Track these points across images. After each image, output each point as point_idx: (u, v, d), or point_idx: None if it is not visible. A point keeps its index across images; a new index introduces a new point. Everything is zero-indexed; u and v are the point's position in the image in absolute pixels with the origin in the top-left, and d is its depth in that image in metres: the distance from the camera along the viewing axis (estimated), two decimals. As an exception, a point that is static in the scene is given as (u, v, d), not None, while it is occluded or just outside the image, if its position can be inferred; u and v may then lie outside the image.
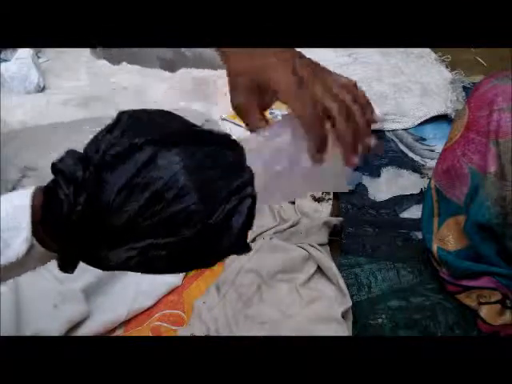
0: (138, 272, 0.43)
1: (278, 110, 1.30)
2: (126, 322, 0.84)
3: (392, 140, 1.28)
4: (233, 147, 0.44)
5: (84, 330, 0.79)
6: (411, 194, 1.10)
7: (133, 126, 0.42)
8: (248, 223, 0.42)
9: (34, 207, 0.42)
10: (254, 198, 0.43)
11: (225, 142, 0.43)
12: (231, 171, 0.42)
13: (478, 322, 0.78)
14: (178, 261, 0.42)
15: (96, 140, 0.42)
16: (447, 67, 1.55)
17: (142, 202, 0.39)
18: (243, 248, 0.44)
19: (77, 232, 0.41)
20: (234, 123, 1.26)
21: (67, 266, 0.43)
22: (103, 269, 0.44)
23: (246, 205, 0.42)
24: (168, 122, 0.43)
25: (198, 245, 0.41)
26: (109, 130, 0.42)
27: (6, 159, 0.84)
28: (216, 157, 0.42)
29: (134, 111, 0.43)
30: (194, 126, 0.44)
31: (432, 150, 1.25)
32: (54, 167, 0.41)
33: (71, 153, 0.41)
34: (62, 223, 0.40)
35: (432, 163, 1.16)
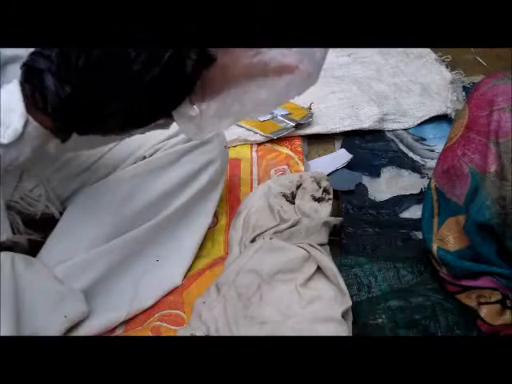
0: (122, 129, 0.52)
1: (279, 110, 1.30)
2: (125, 322, 0.84)
3: (392, 140, 1.29)
4: None
5: (84, 330, 0.79)
6: (411, 194, 1.10)
7: None
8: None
9: (23, 89, 0.49)
10: None
11: None
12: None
13: (477, 322, 0.78)
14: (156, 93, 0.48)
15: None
16: (447, 67, 1.56)
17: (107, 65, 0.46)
18: (209, 59, 0.49)
19: (60, 97, 0.47)
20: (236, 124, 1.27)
21: (62, 135, 0.51)
22: (94, 131, 0.51)
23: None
24: None
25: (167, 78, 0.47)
26: None
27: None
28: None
29: None
30: None
31: (432, 150, 1.25)
32: (29, 57, 0.49)
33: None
34: (47, 92, 0.47)
35: (432, 163, 1.17)
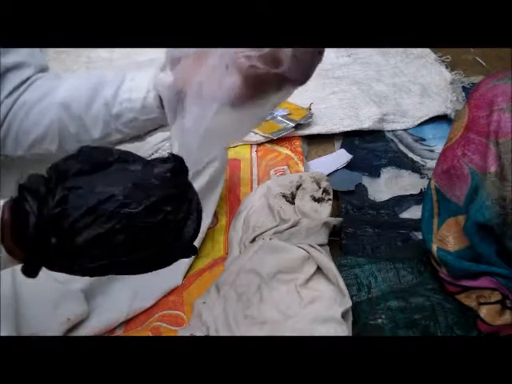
0: (101, 276, 0.49)
1: (279, 110, 1.30)
2: (125, 322, 0.84)
3: (392, 140, 1.28)
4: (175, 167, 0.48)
5: (84, 330, 0.79)
6: (411, 195, 1.10)
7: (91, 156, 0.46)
8: (195, 233, 0.48)
9: (2, 219, 0.45)
10: (199, 211, 0.48)
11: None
12: (177, 192, 0.46)
13: (477, 322, 0.78)
14: (138, 266, 0.48)
15: (57, 164, 0.45)
16: (447, 67, 1.55)
17: (104, 229, 0.43)
18: (193, 252, 0.50)
19: (41, 243, 0.44)
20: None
21: (30, 272, 0.47)
22: (67, 273, 0.48)
23: (194, 218, 0.47)
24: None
25: (156, 256, 0.47)
26: (70, 156, 0.46)
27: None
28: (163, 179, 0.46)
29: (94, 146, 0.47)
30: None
31: (432, 151, 1.25)
32: (20, 186, 0.45)
33: (35, 174, 0.45)
34: (28, 234, 0.44)
35: (432, 163, 1.17)
